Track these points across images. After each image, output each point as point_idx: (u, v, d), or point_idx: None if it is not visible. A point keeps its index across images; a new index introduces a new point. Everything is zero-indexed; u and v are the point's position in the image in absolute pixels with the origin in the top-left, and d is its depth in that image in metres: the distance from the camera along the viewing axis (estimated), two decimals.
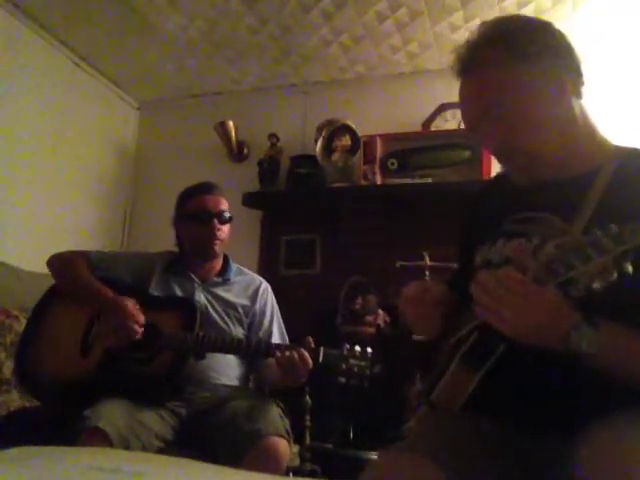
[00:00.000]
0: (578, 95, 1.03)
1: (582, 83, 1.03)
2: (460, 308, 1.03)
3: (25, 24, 2.84)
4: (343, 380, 1.69)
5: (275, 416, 1.70)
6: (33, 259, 1.98)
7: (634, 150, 1.04)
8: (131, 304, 1.78)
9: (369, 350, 1.71)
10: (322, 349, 1.73)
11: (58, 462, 0.97)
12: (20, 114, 2.82)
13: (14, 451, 0.98)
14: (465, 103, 1.07)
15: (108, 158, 3.51)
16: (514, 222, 1.05)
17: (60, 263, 1.94)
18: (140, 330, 1.76)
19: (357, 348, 1.71)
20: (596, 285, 0.81)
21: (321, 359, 1.71)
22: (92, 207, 3.35)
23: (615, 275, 0.80)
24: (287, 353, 1.69)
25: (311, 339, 1.74)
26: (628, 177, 0.97)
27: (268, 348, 1.79)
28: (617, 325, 0.86)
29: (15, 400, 2.00)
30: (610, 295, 0.81)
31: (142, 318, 1.77)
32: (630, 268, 0.79)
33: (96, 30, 2.94)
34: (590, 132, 1.05)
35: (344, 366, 1.69)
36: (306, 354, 1.69)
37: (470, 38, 1.04)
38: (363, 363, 1.69)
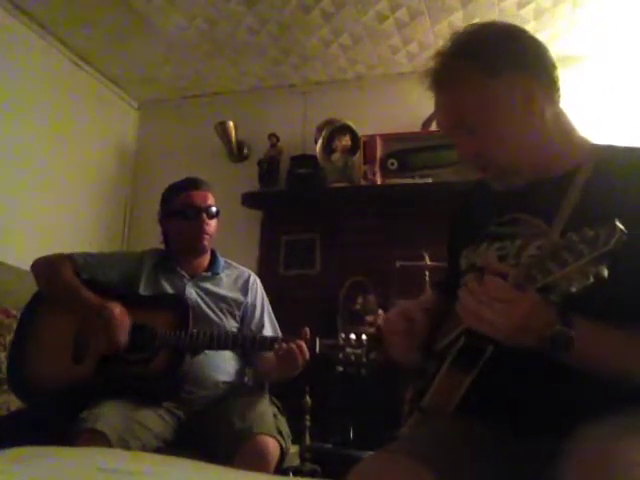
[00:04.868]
0: (551, 101, 1.04)
1: (556, 89, 1.05)
2: (449, 312, 1.03)
3: (25, 24, 2.83)
4: (340, 369, 1.72)
5: (268, 415, 1.72)
6: (33, 259, 1.97)
7: (610, 148, 1.06)
8: (116, 313, 1.76)
9: (364, 337, 1.73)
10: (318, 339, 1.75)
11: (58, 462, 0.97)
12: (20, 114, 2.82)
13: (14, 451, 0.98)
14: (438, 116, 1.11)
15: (108, 158, 3.51)
16: (498, 225, 1.07)
17: (44, 267, 1.91)
18: (124, 343, 1.75)
19: (352, 336, 1.74)
20: (573, 289, 0.82)
21: (317, 349, 1.74)
22: (92, 207, 3.34)
23: (591, 279, 0.81)
24: (285, 346, 1.71)
25: (308, 329, 1.76)
26: (605, 176, 0.98)
27: (265, 342, 1.81)
28: (592, 323, 0.87)
29: (15, 400, 2.00)
30: (588, 298, 0.83)
31: (126, 334, 1.76)
32: (606, 272, 0.80)
33: (96, 30, 2.94)
34: (565, 135, 1.06)
35: (341, 355, 1.72)
36: (304, 345, 1.72)
37: (442, 50, 1.05)
38: (359, 351, 1.72)
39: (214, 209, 2.00)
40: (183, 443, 1.74)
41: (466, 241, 1.13)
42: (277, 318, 2.08)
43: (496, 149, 1.03)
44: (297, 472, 2.13)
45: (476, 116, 1.02)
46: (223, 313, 1.95)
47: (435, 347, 1.09)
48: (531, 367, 0.93)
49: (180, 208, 1.97)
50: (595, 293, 0.81)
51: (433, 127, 3.12)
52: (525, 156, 1.03)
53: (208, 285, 1.98)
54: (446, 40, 1.06)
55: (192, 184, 2.01)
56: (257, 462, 1.56)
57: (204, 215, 1.95)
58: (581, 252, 0.80)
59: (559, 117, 1.06)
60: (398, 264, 2.74)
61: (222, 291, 1.98)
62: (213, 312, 1.93)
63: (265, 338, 1.86)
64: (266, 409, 1.75)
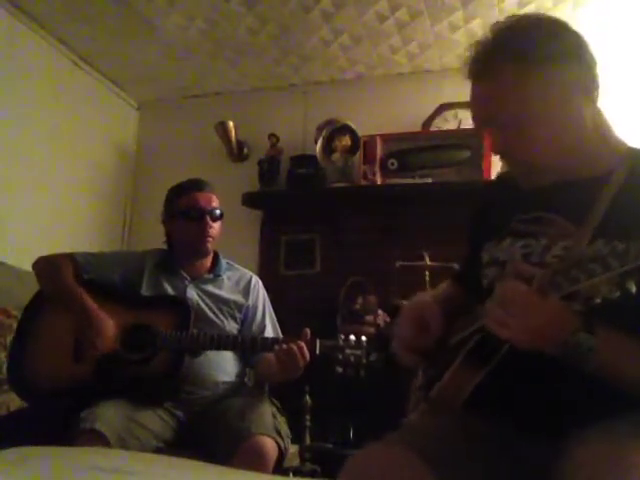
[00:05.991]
0: (590, 100, 1.01)
1: (596, 87, 1.01)
2: (464, 305, 1.03)
3: (25, 24, 2.83)
4: (340, 370, 1.72)
5: (267, 415, 1.72)
6: (33, 259, 1.97)
7: None
8: (106, 325, 1.77)
9: (364, 339, 1.73)
10: (318, 340, 1.75)
11: (58, 462, 0.97)
12: (20, 114, 2.82)
13: (14, 451, 0.98)
14: (473, 106, 1.07)
15: (108, 158, 3.51)
16: (523, 222, 1.06)
17: (45, 266, 1.92)
18: (101, 351, 1.76)
19: (352, 337, 1.74)
20: (598, 300, 0.82)
21: (318, 350, 1.73)
22: (92, 207, 3.34)
23: (618, 293, 0.80)
24: (285, 347, 1.70)
25: (308, 330, 1.75)
26: (639, 182, 0.96)
27: (266, 343, 1.81)
28: (614, 331, 0.87)
29: (15, 400, 2.00)
30: (610, 310, 0.82)
31: (110, 344, 1.77)
32: (634, 287, 0.79)
33: (96, 30, 2.94)
34: (601, 136, 1.04)
35: (340, 356, 1.72)
36: (304, 347, 1.71)
37: (483, 41, 1.02)
38: (359, 352, 1.72)
39: (218, 211, 1.99)
40: (182, 443, 1.74)
41: (488, 235, 1.12)
42: (277, 318, 2.08)
43: (526, 147, 1.00)
44: (297, 472, 2.14)
45: (510, 113, 0.99)
46: (224, 315, 1.94)
47: (449, 341, 1.08)
48: (540, 368, 0.93)
49: (184, 209, 1.96)
50: (619, 306, 0.81)
51: (433, 127, 3.13)
52: (556, 157, 1.01)
53: (209, 287, 1.97)
54: (487, 31, 1.02)
55: (196, 185, 2.00)
56: (255, 462, 1.56)
57: (208, 217, 1.95)
58: (610, 265, 0.79)
59: (597, 117, 1.03)
60: (398, 264, 2.74)
61: (223, 293, 1.98)
62: (214, 314, 1.92)
63: (266, 339, 1.86)
64: (265, 409, 1.75)
